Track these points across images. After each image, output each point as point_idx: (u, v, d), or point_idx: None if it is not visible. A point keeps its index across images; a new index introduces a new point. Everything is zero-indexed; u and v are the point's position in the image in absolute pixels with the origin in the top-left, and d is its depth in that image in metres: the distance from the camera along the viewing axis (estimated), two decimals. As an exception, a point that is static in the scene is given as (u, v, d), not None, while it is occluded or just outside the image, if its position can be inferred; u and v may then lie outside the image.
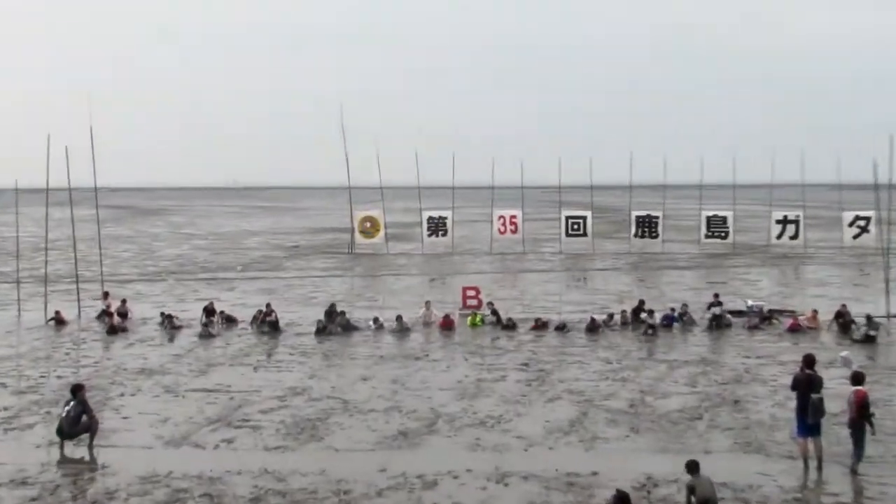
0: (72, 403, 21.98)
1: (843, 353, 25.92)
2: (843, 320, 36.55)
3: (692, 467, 17.66)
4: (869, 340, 34.13)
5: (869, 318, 35.45)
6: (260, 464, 20.51)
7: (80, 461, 21.06)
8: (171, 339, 36.01)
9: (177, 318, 38.97)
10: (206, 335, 36.13)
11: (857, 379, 20.03)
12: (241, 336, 36.64)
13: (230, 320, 39.22)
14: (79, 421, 21.81)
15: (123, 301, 41.90)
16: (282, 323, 37.90)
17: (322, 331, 36.61)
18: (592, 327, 36.62)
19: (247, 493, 18.74)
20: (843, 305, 37.68)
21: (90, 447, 21.61)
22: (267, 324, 37.47)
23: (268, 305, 39.10)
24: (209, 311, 39.52)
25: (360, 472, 19.88)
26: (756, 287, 51.30)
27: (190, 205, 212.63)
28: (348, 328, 37.24)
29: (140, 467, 20.29)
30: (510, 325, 37.52)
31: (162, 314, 39.71)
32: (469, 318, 38.89)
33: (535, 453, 21.38)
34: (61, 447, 21.79)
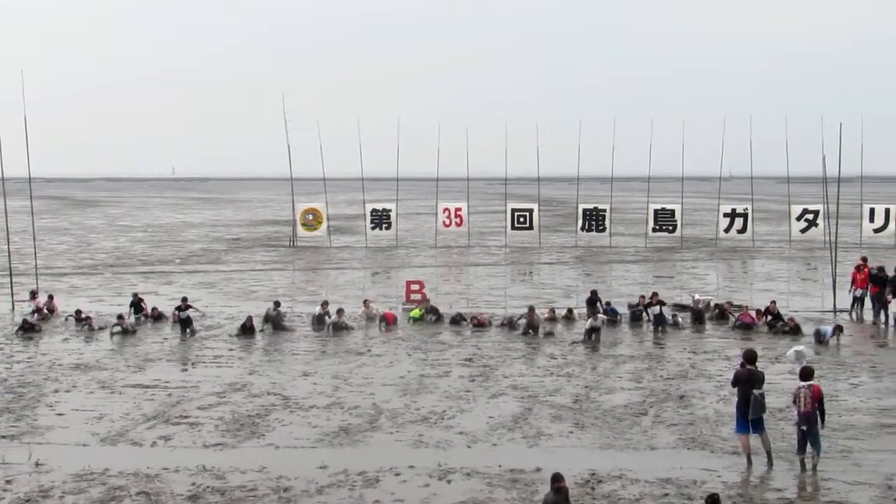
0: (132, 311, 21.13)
1: (798, 348, 25.82)
2: (772, 317, 36.12)
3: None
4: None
5: (839, 327, 33.60)
6: (198, 461, 20.18)
7: (14, 460, 20.53)
8: (89, 340, 34.49)
9: (92, 318, 36.70)
10: (120, 331, 34.82)
11: (807, 374, 19.93)
12: (169, 331, 35.83)
13: (158, 318, 37.50)
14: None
15: (50, 297, 40.35)
16: (220, 318, 37.30)
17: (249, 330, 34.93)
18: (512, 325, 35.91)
19: (185, 491, 18.42)
20: (773, 302, 37.17)
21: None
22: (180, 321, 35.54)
23: (184, 300, 36.70)
24: (136, 306, 38.09)
25: (300, 470, 19.63)
26: (703, 281, 51.38)
27: (127, 196, 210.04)
28: (278, 327, 35.77)
29: (75, 465, 19.91)
30: (456, 321, 37.01)
31: (78, 314, 37.35)
32: (412, 311, 38.45)
33: (478, 449, 21.21)
34: None
